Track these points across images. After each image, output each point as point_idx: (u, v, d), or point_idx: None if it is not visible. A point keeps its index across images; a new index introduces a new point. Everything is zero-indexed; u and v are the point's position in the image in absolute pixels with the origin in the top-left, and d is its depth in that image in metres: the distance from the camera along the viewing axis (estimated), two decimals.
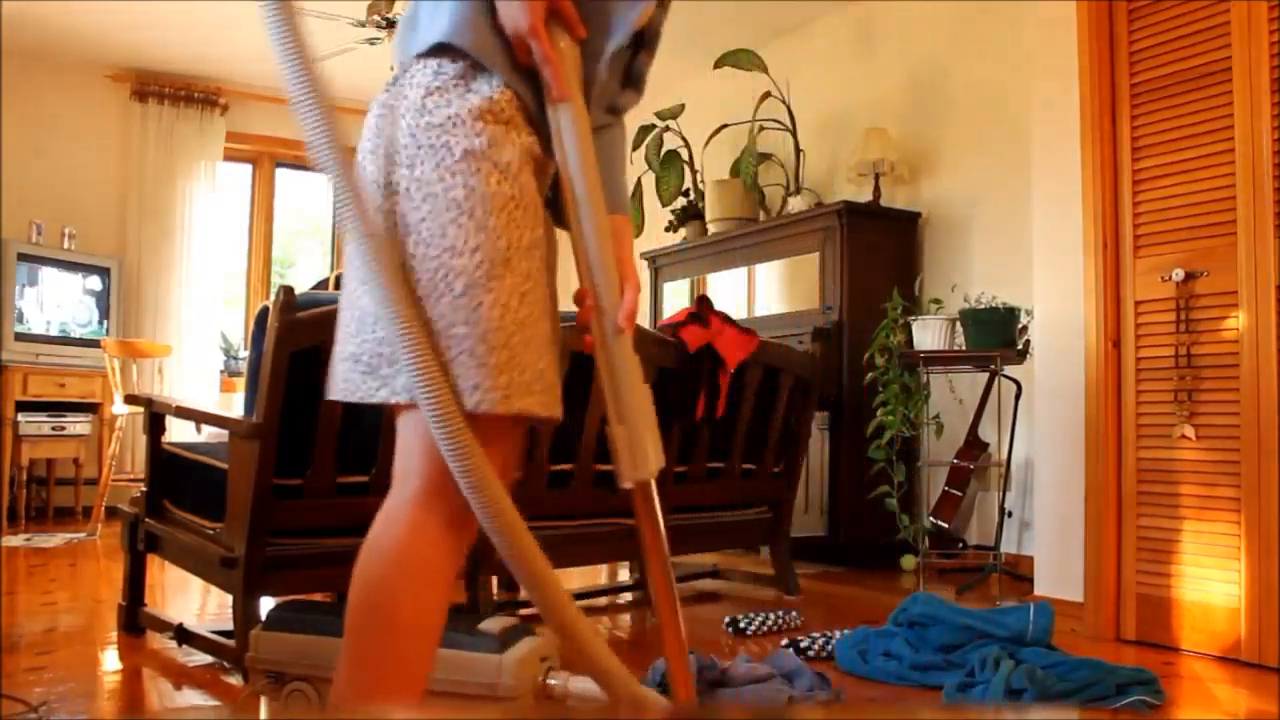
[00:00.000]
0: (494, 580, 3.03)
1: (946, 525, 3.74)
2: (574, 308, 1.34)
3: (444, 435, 1.15)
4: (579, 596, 3.44)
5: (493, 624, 1.83)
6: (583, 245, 1.29)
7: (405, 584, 1.25)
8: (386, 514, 1.27)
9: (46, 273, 5.52)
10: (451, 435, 1.15)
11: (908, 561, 4.05)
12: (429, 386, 1.15)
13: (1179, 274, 2.74)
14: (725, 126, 5.24)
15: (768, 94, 4.98)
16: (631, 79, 1.45)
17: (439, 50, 1.24)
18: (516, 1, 1.21)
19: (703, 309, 3.23)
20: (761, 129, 5.01)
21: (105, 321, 5.74)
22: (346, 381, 1.25)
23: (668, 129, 5.45)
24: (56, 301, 5.55)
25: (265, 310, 2.34)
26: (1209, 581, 2.65)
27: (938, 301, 4.16)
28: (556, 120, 1.26)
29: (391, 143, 1.26)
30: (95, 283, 5.73)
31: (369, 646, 1.24)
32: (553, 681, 1.80)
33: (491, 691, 1.74)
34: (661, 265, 5.62)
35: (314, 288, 2.67)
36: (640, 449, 1.31)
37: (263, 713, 2.04)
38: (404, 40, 1.32)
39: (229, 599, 2.50)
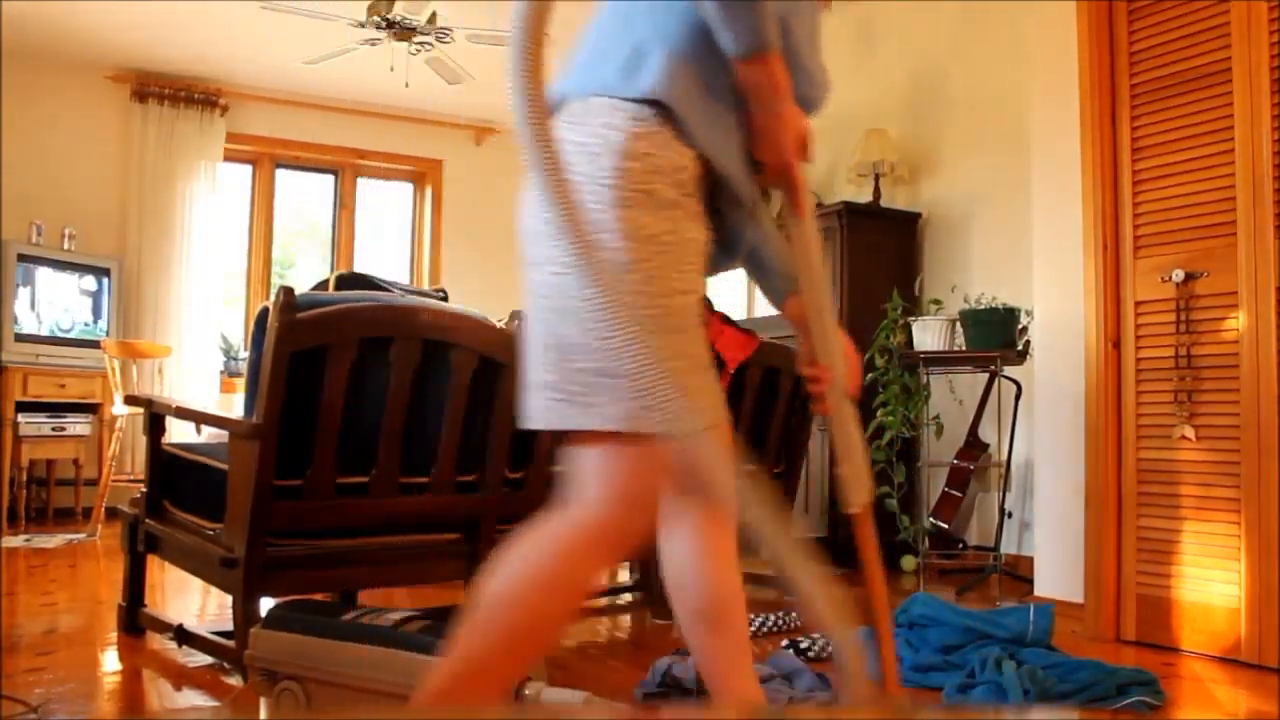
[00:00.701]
0: None
1: (946, 526, 3.74)
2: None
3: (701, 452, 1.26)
4: None
5: None
6: (820, 331, 1.57)
7: (546, 601, 1.32)
8: (563, 532, 1.37)
9: (46, 273, 5.51)
10: (709, 451, 1.27)
11: (908, 562, 4.05)
12: (672, 411, 1.21)
13: (1179, 275, 2.74)
14: None
15: None
16: None
17: (642, 99, 1.31)
18: (782, 138, 1.40)
19: (702, 310, 3.23)
20: None
21: (105, 322, 5.74)
22: (548, 410, 1.32)
23: None
24: (56, 302, 5.55)
25: (265, 311, 2.34)
26: (1209, 582, 2.65)
27: (938, 302, 4.17)
28: (795, 228, 1.55)
29: (591, 180, 1.28)
30: (95, 283, 5.73)
31: (487, 642, 1.33)
32: (527, 691, 1.79)
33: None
34: None
35: (314, 288, 2.67)
36: (861, 482, 1.60)
37: (261, 712, 2.04)
38: (595, 72, 1.36)
39: (229, 600, 2.50)
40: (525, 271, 1.38)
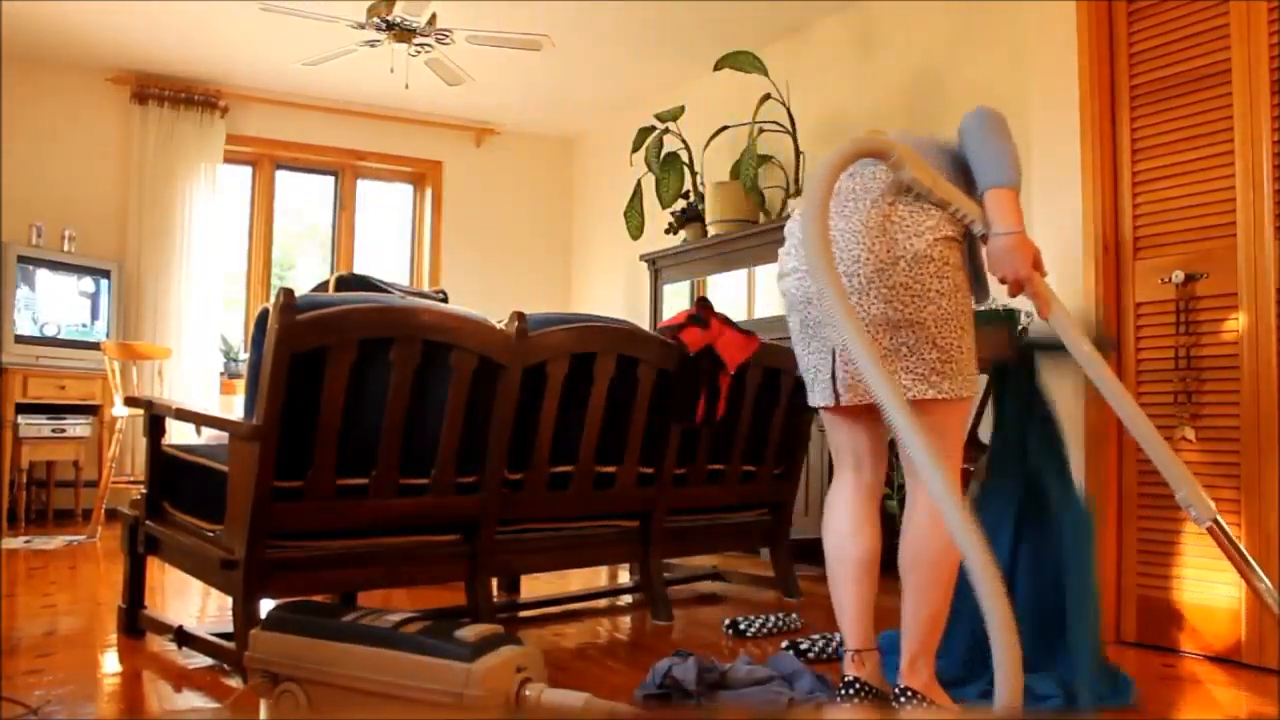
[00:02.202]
0: (494, 582, 3.03)
1: None
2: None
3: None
4: (579, 598, 3.44)
5: (469, 631, 1.82)
6: (1102, 383, 2.02)
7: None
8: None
9: (46, 275, 5.52)
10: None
11: None
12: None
13: (1179, 276, 2.74)
14: (725, 128, 5.24)
15: (767, 96, 4.98)
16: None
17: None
18: (1017, 259, 1.99)
19: (702, 311, 3.23)
20: (761, 131, 5.01)
21: (105, 323, 5.74)
22: (944, 385, 1.98)
23: (667, 131, 5.45)
24: (56, 304, 5.55)
25: (265, 312, 2.34)
26: (1209, 583, 2.64)
27: None
28: (1055, 323, 2.06)
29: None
30: (95, 285, 5.73)
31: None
32: (528, 693, 1.79)
33: (458, 701, 1.73)
34: (661, 267, 5.63)
35: (314, 290, 2.67)
36: (1201, 496, 1.92)
37: (261, 714, 2.04)
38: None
39: (229, 601, 2.50)
40: (916, 299, 1.95)
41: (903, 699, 1.96)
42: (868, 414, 2.07)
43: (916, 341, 1.96)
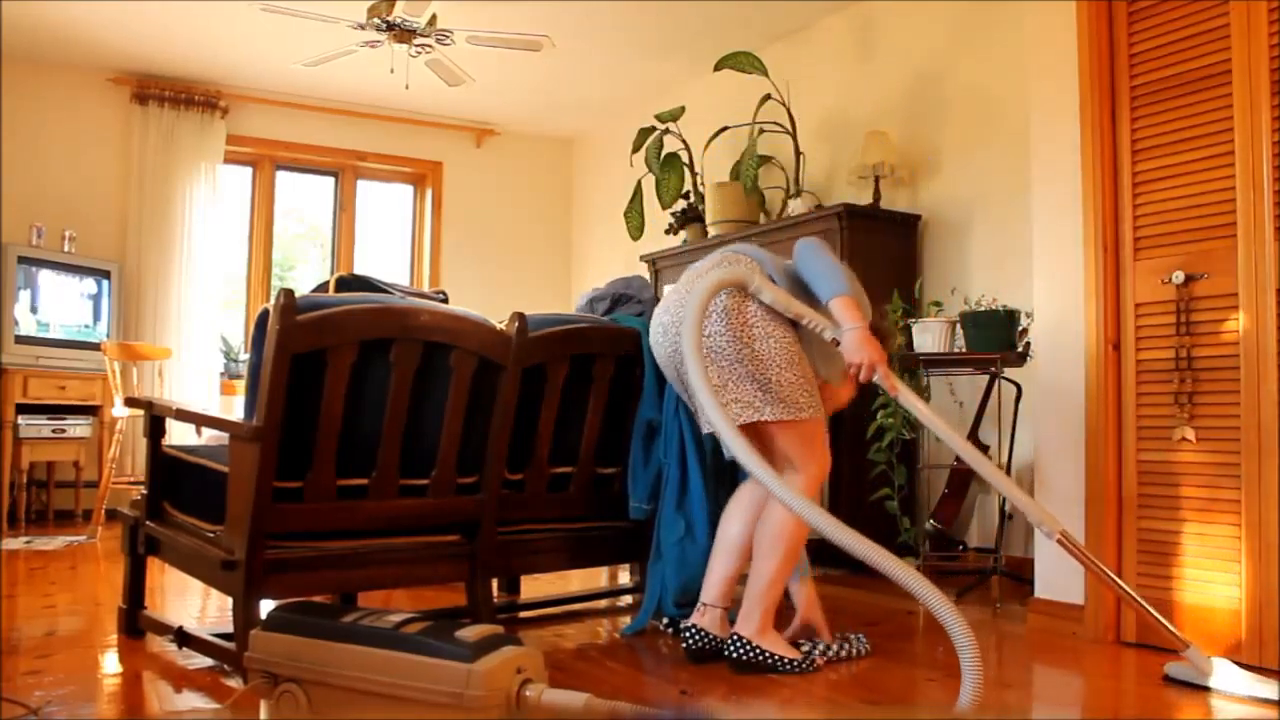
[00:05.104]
0: (494, 582, 3.03)
1: (947, 528, 3.74)
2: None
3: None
4: (579, 599, 3.44)
5: (469, 632, 1.82)
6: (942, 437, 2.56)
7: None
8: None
9: (47, 276, 5.52)
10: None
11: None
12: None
13: (1179, 276, 2.74)
14: (725, 129, 5.24)
15: (768, 96, 4.98)
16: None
17: None
18: (869, 348, 2.38)
19: None
20: (762, 131, 5.01)
21: (105, 324, 5.74)
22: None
23: (668, 131, 5.45)
24: (57, 304, 5.55)
25: (265, 313, 2.34)
26: (1210, 584, 2.64)
27: (938, 304, 4.16)
28: (902, 399, 2.47)
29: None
30: (95, 285, 5.73)
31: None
32: (528, 693, 1.79)
33: (458, 701, 1.73)
34: (661, 268, 5.62)
35: (314, 290, 2.67)
36: (1045, 514, 2.39)
37: (261, 714, 2.04)
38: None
39: (229, 602, 2.50)
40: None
41: (732, 643, 2.43)
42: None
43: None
